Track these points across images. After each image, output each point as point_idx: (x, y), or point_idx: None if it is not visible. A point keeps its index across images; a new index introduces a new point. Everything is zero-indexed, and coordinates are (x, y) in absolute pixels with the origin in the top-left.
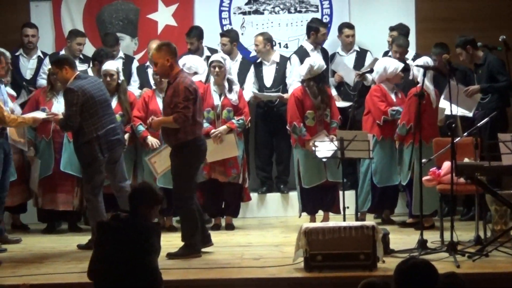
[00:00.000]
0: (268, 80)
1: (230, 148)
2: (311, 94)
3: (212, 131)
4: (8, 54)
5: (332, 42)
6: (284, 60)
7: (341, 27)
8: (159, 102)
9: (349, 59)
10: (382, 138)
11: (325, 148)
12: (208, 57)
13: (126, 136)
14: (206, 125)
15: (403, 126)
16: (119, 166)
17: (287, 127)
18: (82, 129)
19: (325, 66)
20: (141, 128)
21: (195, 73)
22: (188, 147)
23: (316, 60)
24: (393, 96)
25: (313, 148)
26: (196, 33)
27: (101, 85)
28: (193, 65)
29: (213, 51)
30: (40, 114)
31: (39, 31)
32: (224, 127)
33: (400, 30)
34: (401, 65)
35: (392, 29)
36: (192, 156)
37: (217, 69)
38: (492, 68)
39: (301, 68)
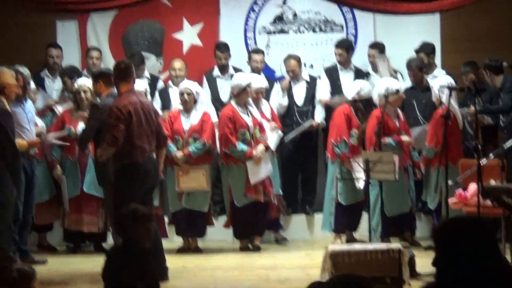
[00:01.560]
0: (299, 99)
1: (267, 166)
2: (357, 115)
3: (254, 153)
4: (26, 73)
5: (361, 62)
6: (313, 79)
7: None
8: (184, 122)
9: (378, 79)
10: None
11: (359, 169)
12: (231, 76)
13: None
14: (245, 147)
15: (432, 149)
16: None
17: (332, 140)
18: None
19: (372, 94)
20: (173, 148)
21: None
22: (125, 172)
23: (366, 84)
24: (395, 121)
25: (352, 168)
26: (227, 48)
27: None
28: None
29: (237, 70)
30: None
31: (64, 50)
32: (262, 146)
33: (425, 49)
34: (403, 87)
35: (417, 51)
36: (129, 182)
37: (249, 89)
38: (503, 87)
39: (350, 87)
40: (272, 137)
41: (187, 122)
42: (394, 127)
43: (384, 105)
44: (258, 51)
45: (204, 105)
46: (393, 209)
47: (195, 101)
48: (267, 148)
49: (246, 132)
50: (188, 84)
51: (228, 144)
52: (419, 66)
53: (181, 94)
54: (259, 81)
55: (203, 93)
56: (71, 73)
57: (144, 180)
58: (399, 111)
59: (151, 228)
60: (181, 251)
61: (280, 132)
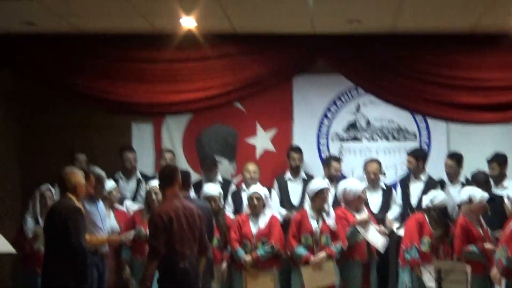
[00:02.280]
0: (375, 207)
1: (329, 275)
2: (430, 223)
3: (312, 258)
4: (102, 173)
5: (435, 170)
6: (389, 187)
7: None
8: (252, 226)
9: (454, 190)
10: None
11: (428, 278)
12: (304, 181)
13: (224, 265)
14: (303, 251)
15: None
16: None
17: (403, 246)
18: None
19: (446, 204)
20: (242, 253)
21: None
22: (166, 277)
23: (440, 193)
24: (479, 229)
25: (422, 274)
26: (301, 151)
27: None
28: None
29: (309, 176)
30: (126, 235)
31: (139, 152)
32: (324, 253)
33: (498, 159)
34: (486, 196)
35: (490, 161)
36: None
37: (324, 194)
38: None
39: (426, 196)
40: (379, 240)
41: (255, 226)
42: (478, 235)
43: (467, 213)
44: (337, 158)
45: (273, 209)
46: None
47: (263, 205)
48: (331, 256)
49: (309, 237)
50: (257, 189)
51: (289, 246)
52: (485, 180)
53: (251, 198)
54: (358, 185)
55: (273, 197)
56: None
57: (184, 285)
58: (482, 219)
59: None
60: None
61: (387, 238)
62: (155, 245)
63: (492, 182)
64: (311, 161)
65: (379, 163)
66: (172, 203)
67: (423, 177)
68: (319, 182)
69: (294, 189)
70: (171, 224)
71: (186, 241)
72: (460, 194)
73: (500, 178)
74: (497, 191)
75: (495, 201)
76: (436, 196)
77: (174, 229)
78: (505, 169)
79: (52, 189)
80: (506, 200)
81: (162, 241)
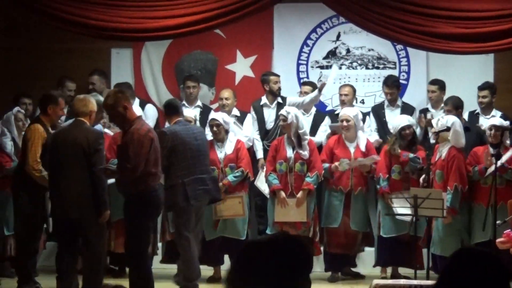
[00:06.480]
0: None
1: (299, 212)
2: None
3: (282, 195)
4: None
5: (413, 99)
6: (364, 114)
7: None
8: (218, 152)
9: (438, 115)
10: None
11: (401, 205)
12: (279, 105)
13: None
14: (274, 182)
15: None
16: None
17: (375, 176)
18: (168, 173)
19: (402, 125)
20: None
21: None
22: (141, 198)
23: (398, 118)
24: None
25: (391, 203)
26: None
27: (198, 134)
28: None
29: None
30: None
31: (118, 77)
32: (301, 193)
33: (491, 88)
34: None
35: (482, 88)
36: (144, 208)
37: (281, 122)
38: None
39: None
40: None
41: (222, 152)
42: None
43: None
44: (305, 83)
45: (238, 133)
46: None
47: (226, 131)
48: (310, 191)
49: (283, 163)
50: (214, 116)
51: (266, 171)
52: (456, 106)
53: (210, 126)
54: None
55: (248, 122)
56: None
57: (156, 207)
58: None
59: None
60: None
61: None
62: (136, 164)
63: (479, 111)
64: (291, 88)
65: (352, 87)
66: (146, 125)
67: (399, 103)
68: (285, 108)
69: (270, 115)
70: (150, 145)
71: (159, 163)
72: (441, 122)
73: (489, 106)
74: (484, 120)
75: (471, 131)
76: (394, 123)
77: (151, 150)
78: (494, 98)
79: (22, 111)
80: (488, 131)
81: (143, 162)
